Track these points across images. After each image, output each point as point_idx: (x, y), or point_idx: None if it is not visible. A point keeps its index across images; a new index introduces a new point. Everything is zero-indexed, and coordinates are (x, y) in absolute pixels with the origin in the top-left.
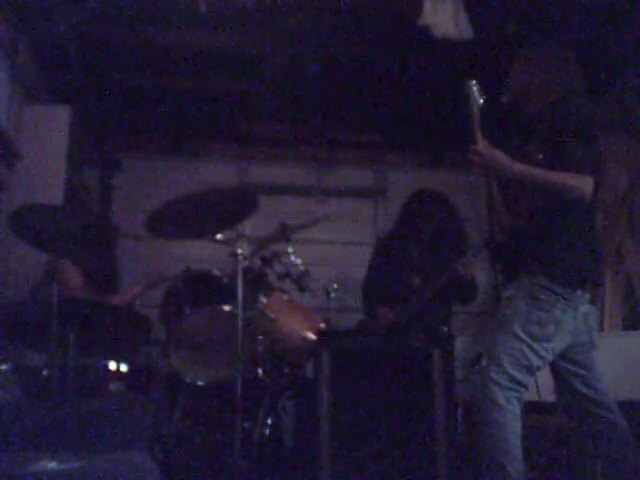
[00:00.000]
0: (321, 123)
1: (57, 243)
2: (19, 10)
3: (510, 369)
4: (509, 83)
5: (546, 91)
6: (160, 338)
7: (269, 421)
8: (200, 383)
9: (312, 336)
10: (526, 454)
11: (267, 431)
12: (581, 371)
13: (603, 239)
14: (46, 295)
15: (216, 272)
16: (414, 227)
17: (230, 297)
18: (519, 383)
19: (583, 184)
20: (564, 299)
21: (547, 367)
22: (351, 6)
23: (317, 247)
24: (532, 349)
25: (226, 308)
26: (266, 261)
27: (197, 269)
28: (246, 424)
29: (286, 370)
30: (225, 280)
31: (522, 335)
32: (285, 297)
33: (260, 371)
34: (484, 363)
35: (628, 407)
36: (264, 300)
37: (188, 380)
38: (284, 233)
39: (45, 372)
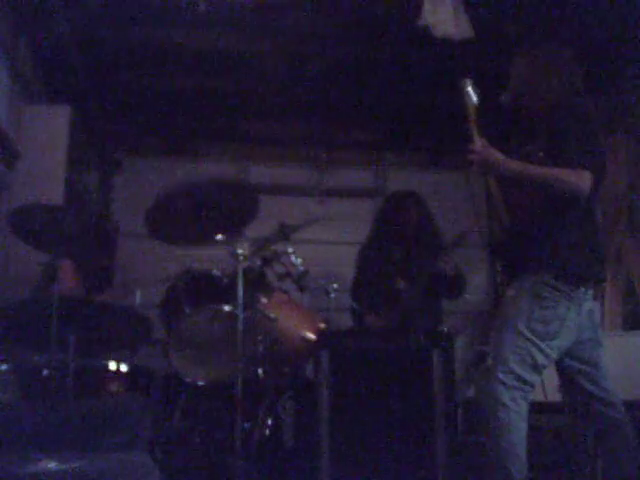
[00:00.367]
0: (321, 123)
1: (57, 243)
2: (19, 10)
3: (516, 368)
4: (509, 83)
5: (546, 90)
6: (160, 338)
7: (269, 421)
8: (200, 383)
9: (312, 336)
10: (526, 454)
11: (267, 431)
12: (587, 369)
13: (604, 237)
14: (46, 295)
15: (216, 272)
16: (393, 230)
17: (230, 297)
18: (525, 382)
19: (580, 179)
20: (568, 296)
21: (551, 366)
22: (351, 6)
23: (317, 247)
24: (538, 347)
25: (226, 308)
26: (266, 261)
27: (197, 269)
28: (246, 424)
29: (286, 370)
30: (225, 280)
31: (527, 333)
32: (285, 297)
33: (260, 371)
34: (489, 363)
35: (628, 407)
36: (264, 300)
37: (188, 380)
38: (284, 233)
39: (45, 372)
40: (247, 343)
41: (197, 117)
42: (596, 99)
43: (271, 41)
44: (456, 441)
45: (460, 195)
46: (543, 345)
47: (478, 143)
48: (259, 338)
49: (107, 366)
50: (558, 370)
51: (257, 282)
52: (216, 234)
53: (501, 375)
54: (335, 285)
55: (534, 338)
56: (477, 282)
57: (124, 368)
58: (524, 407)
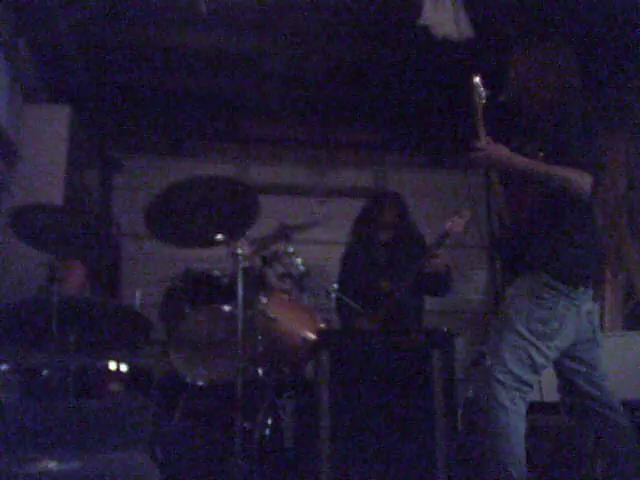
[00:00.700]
0: (321, 123)
1: (57, 243)
2: (19, 10)
3: (514, 368)
4: (508, 82)
5: (543, 89)
6: (160, 338)
7: (269, 421)
8: (200, 383)
9: (312, 336)
10: (526, 454)
11: (267, 431)
12: (585, 369)
13: (603, 237)
14: (46, 295)
15: (216, 272)
16: (375, 231)
17: (230, 297)
18: (524, 382)
19: (583, 179)
20: (567, 296)
21: (550, 367)
22: (351, 6)
23: (317, 247)
24: (536, 347)
25: (226, 308)
26: (266, 261)
27: (197, 269)
28: (246, 424)
29: (286, 370)
30: (225, 280)
31: (525, 333)
32: (285, 297)
33: (260, 371)
34: (488, 363)
35: (628, 407)
36: (264, 300)
37: (188, 380)
38: (284, 233)
39: (45, 372)
40: (247, 343)
41: (197, 117)
42: (596, 98)
43: (271, 41)
44: (456, 441)
45: (460, 195)
46: (541, 345)
47: (484, 140)
48: (259, 338)
49: (107, 366)
50: (556, 370)
51: (257, 282)
52: (216, 234)
53: (499, 375)
54: (335, 285)
55: (532, 338)
56: (477, 282)
57: (124, 368)
58: (522, 407)
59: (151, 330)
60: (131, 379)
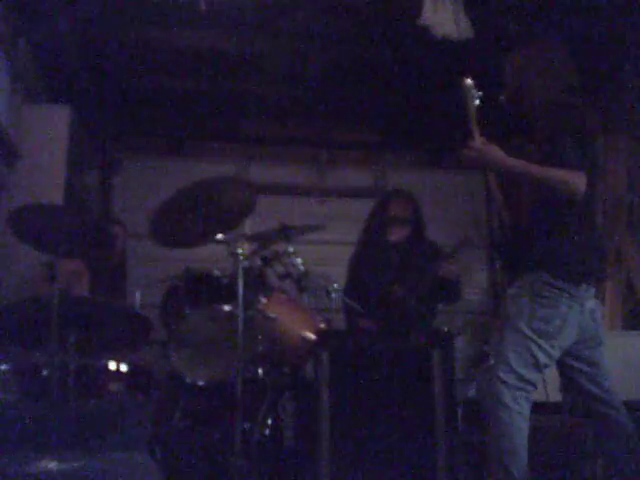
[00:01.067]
0: (321, 123)
1: (57, 243)
2: (19, 10)
3: (518, 368)
4: (505, 82)
5: (539, 89)
6: (160, 338)
7: (269, 421)
8: (200, 383)
9: (312, 336)
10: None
11: (267, 431)
12: (587, 368)
13: (604, 237)
14: (46, 295)
15: (216, 272)
16: (385, 230)
17: (230, 297)
18: (527, 382)
19: (576, 180)
20: (569, 294)
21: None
22: (351, 6)
23: (317, 247)
24: (539, 346)
25: (226, 308)
26: (266, 261)
27: (197, 269)
28: (246, 424)
29: (286, 370)
30: (225, 280)
31: (528, 332)
32: (285, 297)
33: (260, 371)
34: (491, 362)
35: (628, 407)
36: (264, 300)
37: (188, 380)
38: (284, 233)
39: (45, 372)
40: (247, 343)
41: (197, 117)
42: (595, 98)
43: (271, 41)
44: (456, 441)
45: (460, 195)
46: (545, 344)
47: (478, 140)
48: (259, 338)
49: (107, 366)
50: (558, 369)
51: (257, 282)
52: (216, 234)
53: (503, 375)
54: (335, 285)
55: (535, 337)
56: (477, 282)
57: (124, 368)
58: (526, 407)
59: (151, 330)
60: (131, 379)
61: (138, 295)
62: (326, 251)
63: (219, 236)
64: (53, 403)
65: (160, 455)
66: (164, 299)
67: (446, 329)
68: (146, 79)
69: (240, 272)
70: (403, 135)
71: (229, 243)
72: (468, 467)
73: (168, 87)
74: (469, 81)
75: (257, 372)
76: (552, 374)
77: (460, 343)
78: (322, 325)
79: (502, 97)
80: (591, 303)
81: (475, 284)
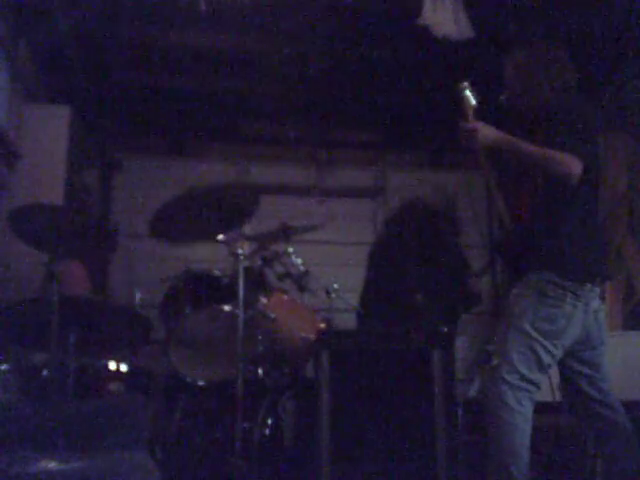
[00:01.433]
0: (321, 123)
1: (57, 243)
2: (19, 10)
3: (521, 368)
4: (505, 82)
5: (540, 88)
6: (160, 338)
7: (269, 421)
8: (200, 383)
9: (312, 336)
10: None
11: (267, 431)
12: (587, 370)
13: (604, 237)
14: (46, 295)
15: (216, 272)
16: (410, 241)
17: (230, 297)
18: (530, 382)
19: (571, 163)
20: (573, 294)
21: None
22: (351, 6)
23: (317, 247)
24: (543, 346)
25: (226, 308)
26: (266, 261)
27: (197, 269)
28: (246, 424)
29: (286, 370)
30: (225, 280)
31: (532, 332)
32: (285, 297)
33: (260, 371)
34: (494, 362)
35: (628, 407)
36: (264, 300)
37: (188, 380)
38: (284, 233)
39: (45, 372)
40: (247, 343)
41: (197, 117)
42: (596, 98)
43: (271, 41)
44: (456, 441)
45: (460, 195)
46: (548, 344)
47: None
48: (259, 338)
49: (107, 366)
50: (559, 370)
51: (257, 282)
52: (216, 234)
53: (506, 375)
54: (335, 285)
55: (539, 337)
56: (477, 282)
57: (124, 368)
58: (529, 408)
59: (151, 330)
60: (131, 379)
61: (138, 295)
62: (326, 251)
63: (219, 236)
64: (53, 403)
65: (160, 455)
66: (164, 299)
67: (446, 329)
68: (146, 79)
69: (240, 272)
70: (403, 135)
71: (229, 243)
72: (468, 467)
73: (168, 87)
74: (465, 84)
75: (257, 372)
76: (556, 374)
77: (460, 343)
78: (322, 325)
79: (502, 97)
80: (596, 303)
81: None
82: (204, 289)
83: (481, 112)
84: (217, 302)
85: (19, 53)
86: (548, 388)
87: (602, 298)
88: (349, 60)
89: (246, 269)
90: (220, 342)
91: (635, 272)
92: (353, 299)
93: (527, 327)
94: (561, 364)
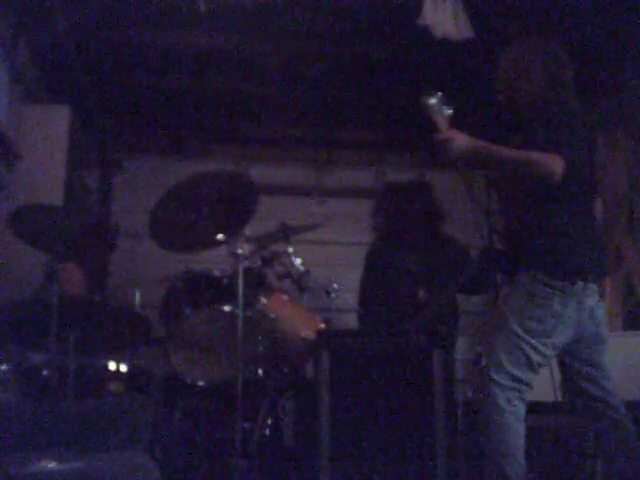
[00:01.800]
0: (321, 123)
1: (57, 243)
2: (19, 10)
3: (510, 368)
4: (498, 79)
5: (529, 84)
6: (160, 338)
7: (269, 421)
8: (200, 383)
9: (312, 336)
10: (526, 454)
11: (267, 431)
12: (588, 369)
13: (604, 236)
14: (47, 295)
15: (216, 272)
16: (401, 226)
17: (230, 297)
18: (520, 381)
19: (552, 161)
20: (562, 292)
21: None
22: (351, 6)
23: (317, 247)
24: (531, 345)
25: (226, 308)
26: (266, 261)
27: (197, 269)
28: (246, 424)
29: (286, 370)
30: (225, 280)
31: (520, 332)
32: (285, 297)
33: (260, 371)
34: (483, 363)
35: (628, 407)
36: (264, 300)
37: (188, 380)
38: (284, 233)
39: (45, 372)
40: (247, 343)
41: (197, 117)
42: (596, 99)
43: (271, 41)
44: (456, 441)
45: (460, 195)
46: (538, 343)
47: (443, 131)
48: (259, 338)
49: (107, 366)
50: (560, 370)
51: (257, 282)
52: (216, 234)
53: (495, 375)
54: (335, 285)
55: (527, 336)
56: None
57: (124, 368)
58: (520, 408)
59: (151, 330)
60: (131, 379)
61: (138, 295)
62: (326, 251)
63: (219, 236)
64: (53, 403)
65: (160, 455)
66: (164, 299)
67: (446, 329)
68: (146, 79)
69: (240, 272)
70: (403, 135)
71: (229, 243)
72: (468, 467)
73: (168, 87)
74: (433, 96)
75: (257, 372)
76: (556, 373)
77: (460, 343)
78: (322, 325)
79: (499, 96)
80: (591, 301)
81: None
82: (204, 289)
83: (458, 120)
84: (217, 302)
85: (19, 53)
86: (550, 388)
87: (601, 295)
88: (349, 60)
89: (246, 269)
90: (220, 342)
91: (635, 272)
92: (353, 299)
93: (515, 327)
94: (562, 363)
